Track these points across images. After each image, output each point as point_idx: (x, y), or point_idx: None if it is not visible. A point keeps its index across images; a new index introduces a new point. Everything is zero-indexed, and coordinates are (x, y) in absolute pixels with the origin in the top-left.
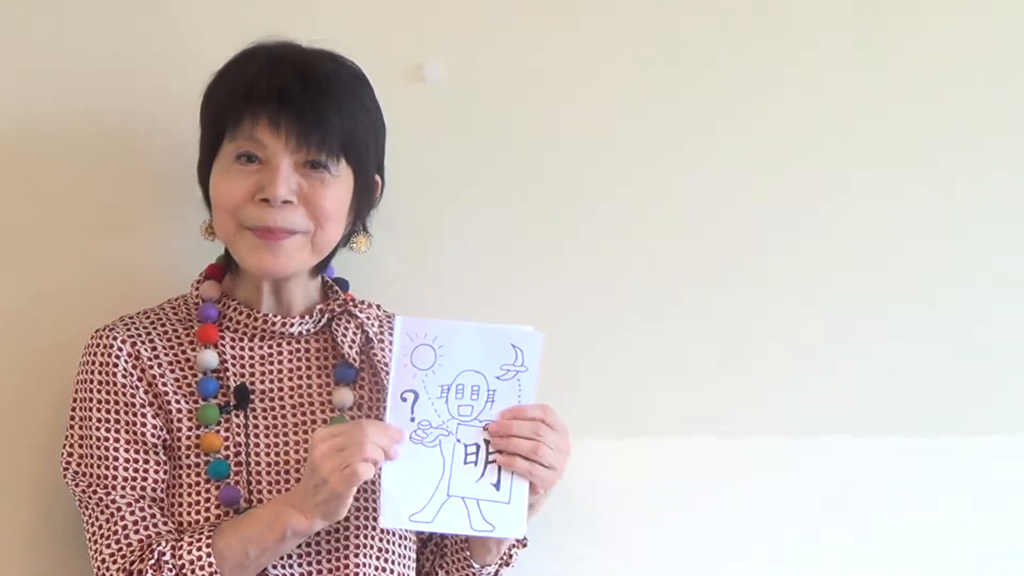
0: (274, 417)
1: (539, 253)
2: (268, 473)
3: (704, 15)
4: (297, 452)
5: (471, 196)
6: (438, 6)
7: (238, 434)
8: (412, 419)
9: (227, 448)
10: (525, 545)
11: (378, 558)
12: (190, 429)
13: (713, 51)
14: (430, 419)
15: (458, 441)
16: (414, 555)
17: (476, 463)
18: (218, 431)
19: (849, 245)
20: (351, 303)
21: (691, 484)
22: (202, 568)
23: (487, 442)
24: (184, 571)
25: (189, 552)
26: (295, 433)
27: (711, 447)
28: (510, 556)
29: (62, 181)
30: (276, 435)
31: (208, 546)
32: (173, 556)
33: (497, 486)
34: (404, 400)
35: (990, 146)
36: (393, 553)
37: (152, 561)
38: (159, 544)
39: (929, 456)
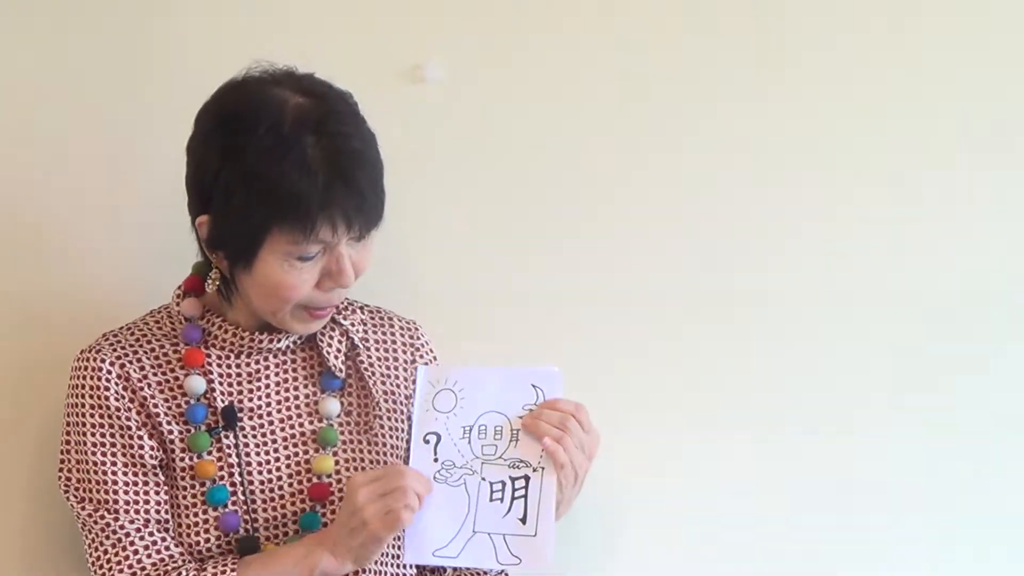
0: (263, 434)
1: (540, 252)
2: (262, 491)
3: (704, 15)
4: (288, 467)
5: (471, 196)
6: (438, 6)
7: (229, 455)
8: (435, 459)
9: (220, 470)
10: None
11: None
12: (183, 451)
13: (714, 51)
14: (453, 459)
15: (483, 480)
16: None
17: (502, 500)
18: (211, 452)
19: (849, 245)
20: (334, 310)
21: (691, 484)
22: None
23: (513, 479)
24: None
25: None
26: (285, 448)
27: (711, 447)
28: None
29: (60, 184)
30: (267, 452)
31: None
32: None
33: (524, 520)
34: (427, 442)
35: (990, 146)
36: (396, 563)
37: None
38: (179, 572)
39: (929, 456)
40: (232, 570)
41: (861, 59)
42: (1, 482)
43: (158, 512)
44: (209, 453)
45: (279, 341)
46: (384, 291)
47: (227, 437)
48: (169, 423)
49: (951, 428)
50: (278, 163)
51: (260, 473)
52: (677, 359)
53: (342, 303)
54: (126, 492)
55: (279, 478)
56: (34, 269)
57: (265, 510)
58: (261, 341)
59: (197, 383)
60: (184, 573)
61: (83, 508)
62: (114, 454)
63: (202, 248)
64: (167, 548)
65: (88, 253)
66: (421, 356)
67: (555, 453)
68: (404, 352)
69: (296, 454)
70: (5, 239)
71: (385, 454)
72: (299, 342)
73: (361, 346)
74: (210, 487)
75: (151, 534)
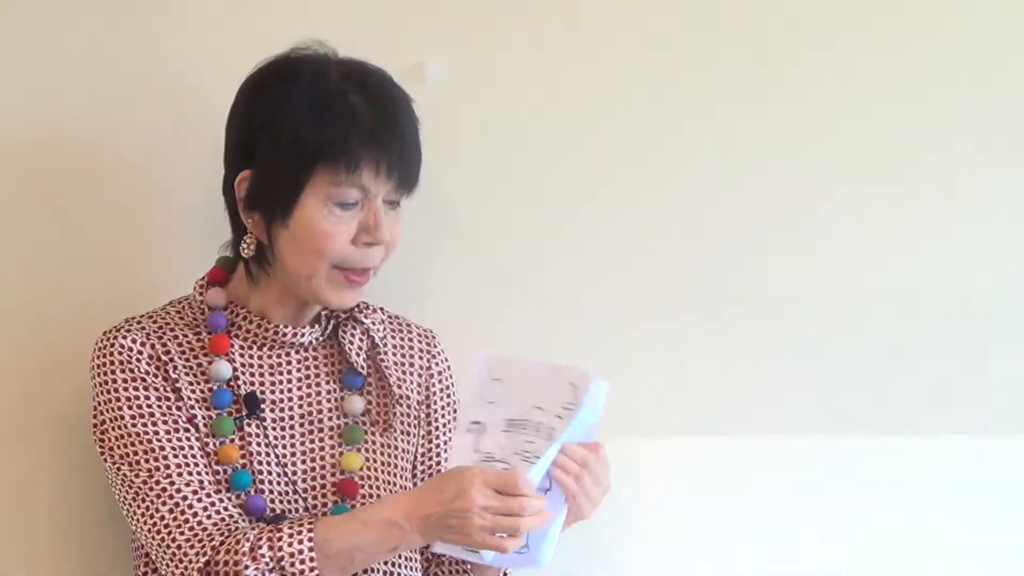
0: (283, 428)
1: (540, 252)
2: (278, 484)
3: (703, 15)
4: (304, 462)
5: (471, 196)
6: (438, 6)
7: (248, 443)
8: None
9: (243, 458)
10: None
11: (385, 575)
12: (207, 436)
13: (713, 51)
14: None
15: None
16: (420, 573)
17: None
18: (233, 439)
19: (849, 244)
20: (356, 308)
21: (690, 484)
22: (302, 562)
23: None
24: (283, 563)
25: (290, 544)
26: (303, 443)
27: (710, 446)
28: (506, 574)
29: (63, 183)
30: (284, 446)
31: (310, 539)
32: (271, 548)
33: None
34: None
35: (990, 145)
36: (400, 567)
37: (246, 549)
38: (247, 534)
39: (929, 456)
40: (310, 531)
41: (861, 59)
42: (17, 470)
43: (208, 473)
44: (232, 440)
45: (302, 336)
46: (383, 289)
47: (250, 425)
48: (193, 407)
49: (951, 428)
50: (325, 108)
51: (277, 466)
52: (684, 359)
53: (362, 302)
54: (175, 456)
55: (294, 472)
56: (46, 268)
57: (282, 502)
58: (284, 334)
59: (223, 368)
60: (254, 534)
61: (136, 476)
62: (154, 422)
63: (236, 218)
64: (226, 509)
65: (103, 251)
66: (436, 364)
67: (575, 496)
68: (420, 358)
69: (313, 450)
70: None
71: (397, 456)
72: (320, 339)
73: (381, 345)
74: (233, 473)
75: (208, 495)
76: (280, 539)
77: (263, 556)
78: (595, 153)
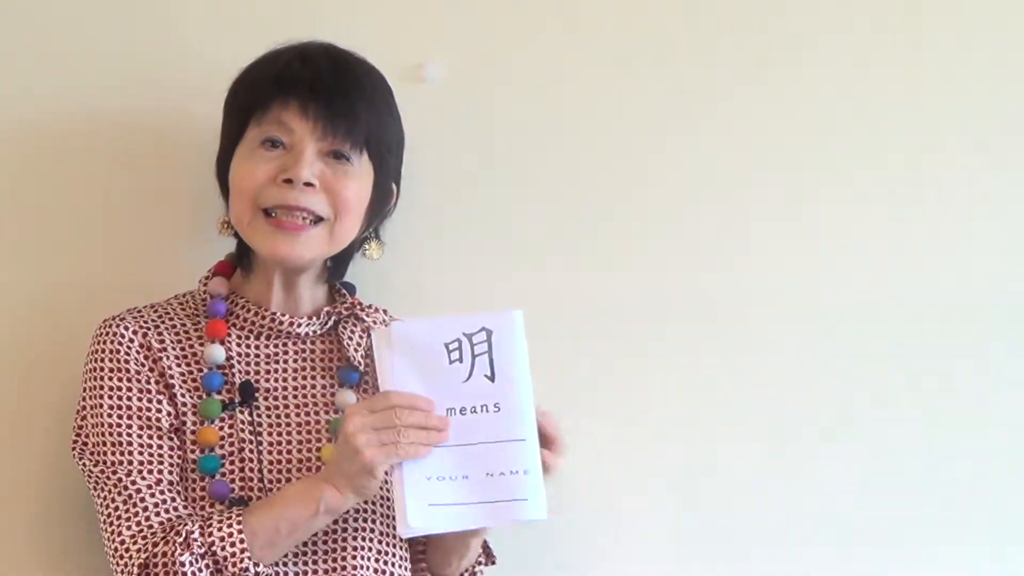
0: (277, 416)
1: (540, 253)
2: (270, 471)
3: (704, 14)
4: (300, 451)
5: (471, 196)
6: (438, 6)
7: (241, 431)
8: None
9: (231, 444)
10: (494, 562)
11: (377, 560)
12: (194, 424)
13: (713, 50)
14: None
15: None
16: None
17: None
18: (220, 427)
19: (848, 244)
20: (358, 307)
21: (689, 484)
22: (232, 544)
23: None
24: (214, 548)
25: (220, 529)
26: (298, 432)
27: (710, 446)
28: (473, 573)
29: (70, 178)
30: (279, 434)
31: (239, 523)
32: (202, 534)
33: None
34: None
35: (990, 146)
36: (392, 555)
37: (181, 540)
38: (186, 524)
39: (930, 456)
40: (238, 516)
41: (861, 59)
42: (15, 465)
43: (171, 474)
44: (221, 421)
45: (299, 326)
46: (383, 291)
47: (242, 412)
48: (183, 395)
49: (951, 428)
50: (259, 66)
51: (270, 453)
52: (680, 362)
53: (366, 303)
54: (140, 453)
55: (288, 461)
56: (49, 261)
57: (271, 490)
58: (281, 323)
59: (217, 352)
60: (190, 525)
61: (96, 466)
62: (130, 416)
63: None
64: (175, 508)
65: (108, 244)
66: None
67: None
68: None
69: (309, 440)
70: (29, 228)
71: None
72: (319, 332)
73: None
74: (205, 455)
75: (162, 492)
76: (211, 525)
77: (195, 541)
78: (595, 153)
